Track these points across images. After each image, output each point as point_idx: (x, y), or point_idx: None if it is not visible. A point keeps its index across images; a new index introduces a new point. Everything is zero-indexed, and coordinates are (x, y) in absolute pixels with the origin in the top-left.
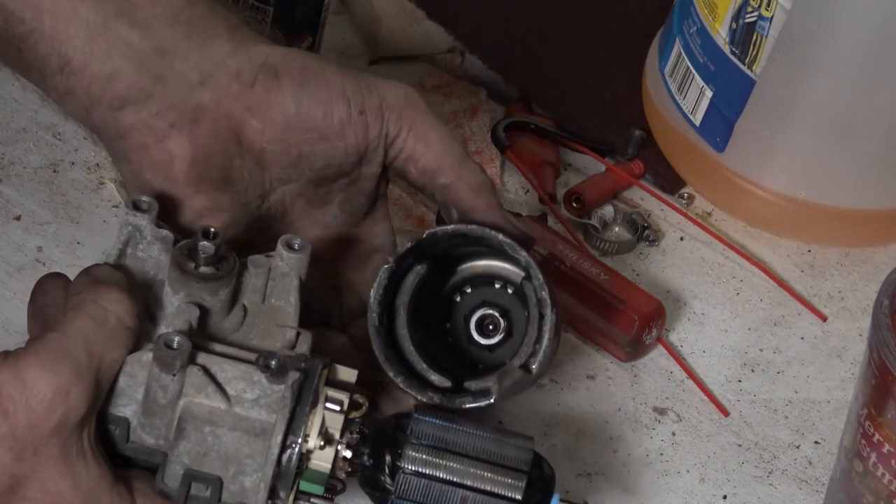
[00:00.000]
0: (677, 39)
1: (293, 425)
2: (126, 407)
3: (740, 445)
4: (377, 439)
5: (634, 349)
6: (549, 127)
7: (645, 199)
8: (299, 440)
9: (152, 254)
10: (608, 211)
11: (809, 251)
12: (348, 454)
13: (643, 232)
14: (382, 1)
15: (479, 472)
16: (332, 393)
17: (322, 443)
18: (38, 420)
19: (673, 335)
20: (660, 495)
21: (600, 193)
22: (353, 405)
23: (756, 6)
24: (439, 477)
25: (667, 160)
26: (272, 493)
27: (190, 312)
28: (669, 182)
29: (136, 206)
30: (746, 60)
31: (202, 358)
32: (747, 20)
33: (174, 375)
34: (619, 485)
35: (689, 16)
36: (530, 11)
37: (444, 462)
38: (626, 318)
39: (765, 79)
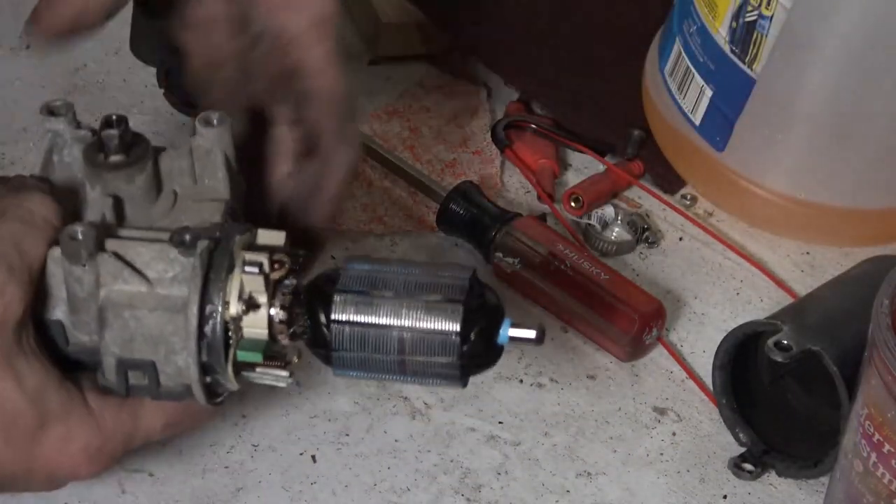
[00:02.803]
0: (677, 39)
1: (207, 293)
2: (56, 308)
3: None
4: (311, 297)
5: (634, 349)
6: (549, 127)
7: (645, 199)
8: (219, 307)
9: (76, 155)
10: (608, 211)
11: (809, 252)
12: (283, 316)
13: (643, 232)
14: (382, 1)
15: (411, 309)
16: (249, 256)
17: (245, 307)
18: None
19: (673, 335)
20: (660, 495)
21: (600, 193)
22: (276, 266)
23: (756, 5)
24: (372, 322)
25: (667, 160)
26: (208, 369)
27: (103, 203)
28: (669, 182)
29: (50, 112)
30: (746, 60)
31: (112, 244)
32: (747, 19)
33: (84, 265)
34: (619, 485)
35: (689, 15)
36: (530, 11)
37: (375, 306)
38: (626, 318)
39: (765, 78)
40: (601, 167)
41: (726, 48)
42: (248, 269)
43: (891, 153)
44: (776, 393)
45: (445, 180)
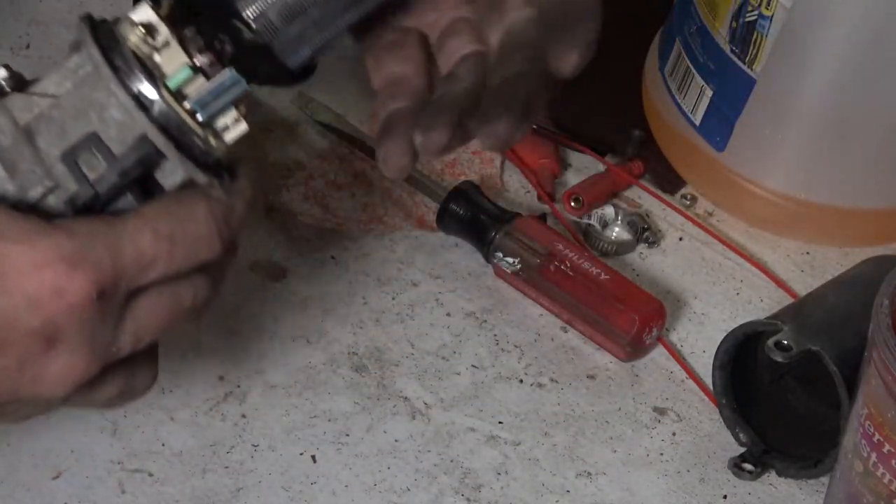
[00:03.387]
0: (677, 39)
1: (102, 39)
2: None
3: None
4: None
5: (634, 349)
6: (549, 127)
7: (645, 199)
8: (119, 42)
9: None
10: (608, 211)
11: (809, 252)
12: (191, 33)
13: (643, 232)
14: None
15: None
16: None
17: (144, 33)
18: None
19: (673, 335)
20: (660, 495)
21: (600, 193)
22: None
23: (756, 5)
24: None
25: (667, 160)
26: (146, 108)
27: None
28: (669, 182)
29: None
30: (747, 59)
31: (12, 96)
32: (747, 19)
33: None
34: (619, 485)
35: (689, 15)
36: None
37: None
38: (626, 318)
39: (765, 78)
40: (601, 167)
41: (726, 48)
42: (133, 15)
43: (891, 153)
44: (776, 393)
45: (445, 180)
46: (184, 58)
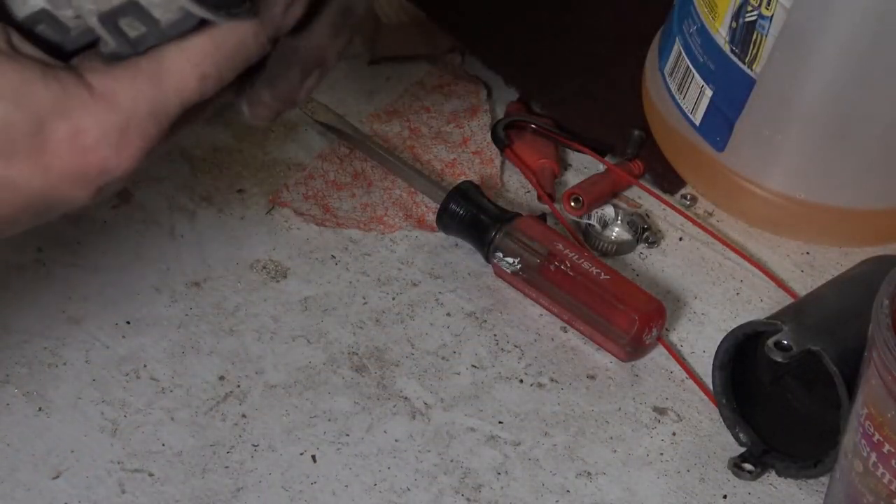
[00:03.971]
0: (677, 39)
1: None
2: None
3: None
4: None
5: (634, 349)
6: (549, 127)
7: (645, 199)
8: None
9: None
10: (608, 211)
11: (809, 252)
12: None
13: (643, 232)
14: (382, 1)
15: None
16: None
17: None
18: None
19: (673, 335)
20: (660, 495)
21: (600, 193)
22: None
23: (756, 5)
24: None
25: (666, 160)
26: None
27: None
28: (669, 182)
29: None
30: (746, 60)
31: None
32: (747, 19)
33: None
34: (619, 485)
35: (689, 15)
36: (530, 11)
37: None
38: (626, 318)
39: (765, 78)
40: (601, 167)
41: (726, 48)
42: None
43: (891, 153)
44: (776, 393)
45: (445, 180)
46: None
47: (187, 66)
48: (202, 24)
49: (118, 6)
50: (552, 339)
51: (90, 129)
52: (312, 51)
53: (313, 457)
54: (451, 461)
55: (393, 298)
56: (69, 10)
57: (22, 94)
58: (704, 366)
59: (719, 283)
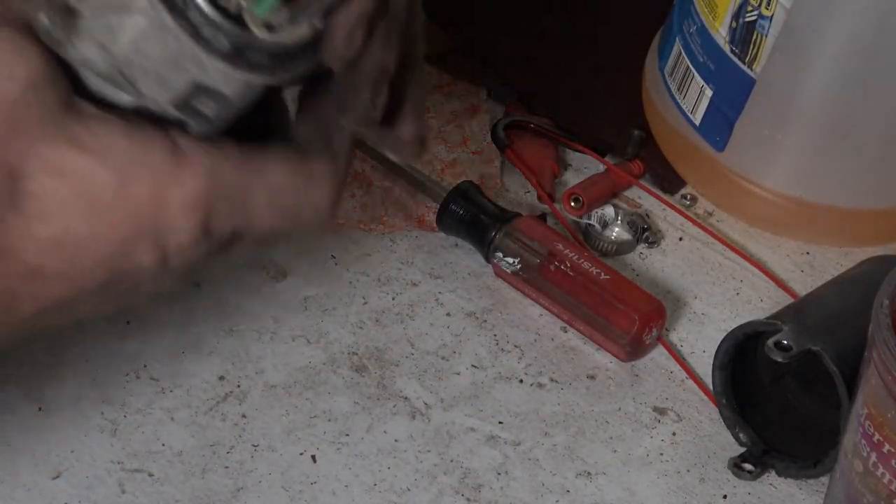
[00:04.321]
0: (677, 39)
1: None
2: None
3: None
4: None
5: (634, 349)
6: (549, 127)
7: (645, 199)
8: None
9: None
10: (608, 211)
11: (809, 252)
12: None
13: (643, 232)
14: None
15: None
16: None
17: None
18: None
19: (673, 335)
20: (660, 495)
21: (600, 193)
22: None
23: (756, 5)
24: None
25: (667, 160)
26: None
27: None
28: (669, 182)
29: None
30: (746, 59)
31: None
32: (747, 19)
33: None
34: (619, 485)
35: (689, 15)
36: (530, 12)
37: None
38: (626, 318)
39: (765, 78)
40: (601, 167)
41: (726, 48)
42: None
43: (891, 153)
44: (776, 393)
45: (445, 180)
46: None
47: (276, 162)
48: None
49: (187, 91)
50: (552, 339)
51: (171, 190)
52: (375, 68)
53: (313, 457)
54: (451, 461)
55: (393, 298)
56: (149, 101)
57: (107, 148)
58: (704, 366)
59: (719, 283)
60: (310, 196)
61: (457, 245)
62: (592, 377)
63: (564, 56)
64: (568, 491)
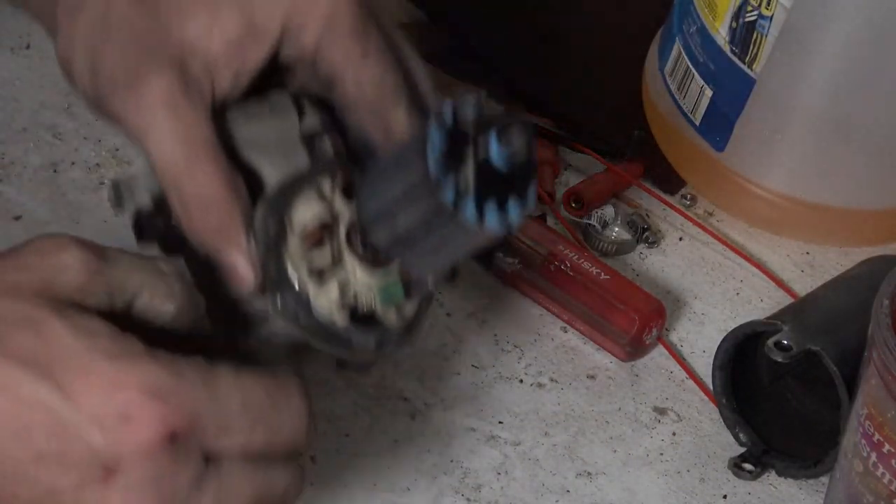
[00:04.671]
0: (677, 39)
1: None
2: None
3: None
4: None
5: (634, 349)
6: (549, 127)
7: (645, 199)
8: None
9: None
10: (608, 211)
11: (809, 252)
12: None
13: (643, 232)
14: (382, 1)
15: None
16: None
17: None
18: None
19: (673, 335)
20: (660, 495)
21: (600, 193)
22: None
23: (756, 5)
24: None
25: (667, 160)
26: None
27: None
28: (669, 182)
29: None
30: (746, 60)
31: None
32: (747, 19)
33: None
34: (619, 485)
35: (689, 15)
36: (530, 12)
37: None
38: (626, 318)
39: (765, 78)
40: (601, 167)
41: (726, 48)
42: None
43: (891, 153)
44: (776, 393)
45: None
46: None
47: (235, 399)
48: None
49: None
50: (552, 339)
51: (129, 376)
52: None
53: (312, 457)
54: (451, 461)
55: None
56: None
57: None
58: (704, 366)
59: (719, 283)
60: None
61: None
62: (592, 377)
63: (564, 56)
64: (568, 491)
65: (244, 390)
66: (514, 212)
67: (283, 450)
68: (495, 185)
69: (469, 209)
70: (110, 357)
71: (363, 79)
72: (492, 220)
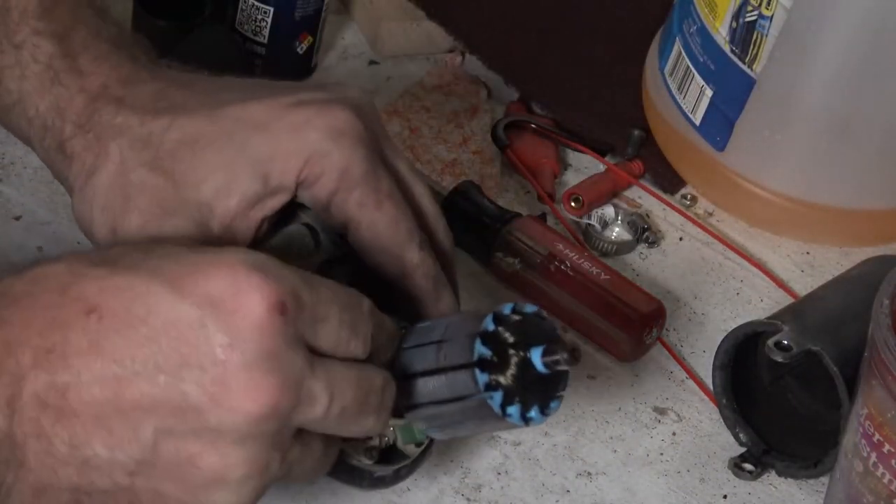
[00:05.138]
0: (677, 39)
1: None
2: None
3: None
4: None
5: (634, 349)
6: (549, 127)
7: (645, 199)
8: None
9: None
10: (608, 211)
11: (809, 252)
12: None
13: (643, 232)
14: (382, 1)
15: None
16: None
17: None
18: None
19: (673, 335)
20: (660, 495)
21: (600, 193)
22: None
23: (756, 5)
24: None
25: (667, 160)
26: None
27: None
28: (669, 182)
29: None
30: (746, 59)
31: None
32: (747, 19)
33: None
34: (619, 485)
35: (689, 15)
36: (530, 11)
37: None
38: (626, 318)
39: (765, 78)
40: (601, 167)
41: (726, 48)
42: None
43: (891, 153)
44: (776, 393)
45: (445, 180)
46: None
47: (334, 309)
48: None
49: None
50: None
51: (238, 262)
52: None
53: None
54: (451, 461)
55: None
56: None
57: None
58: (704, 366)
59: (719, 283)
60: None
61: (457, 245)
62: (592, 377)
63: (564, 56)
64: (568, 491)
65: (328, 284)
66: (553, 407)
67: (364, 350)
68: (533, 384)
69: (514, 413)
70: (217, 252)
71: (378, 224)
72: (536, 419)
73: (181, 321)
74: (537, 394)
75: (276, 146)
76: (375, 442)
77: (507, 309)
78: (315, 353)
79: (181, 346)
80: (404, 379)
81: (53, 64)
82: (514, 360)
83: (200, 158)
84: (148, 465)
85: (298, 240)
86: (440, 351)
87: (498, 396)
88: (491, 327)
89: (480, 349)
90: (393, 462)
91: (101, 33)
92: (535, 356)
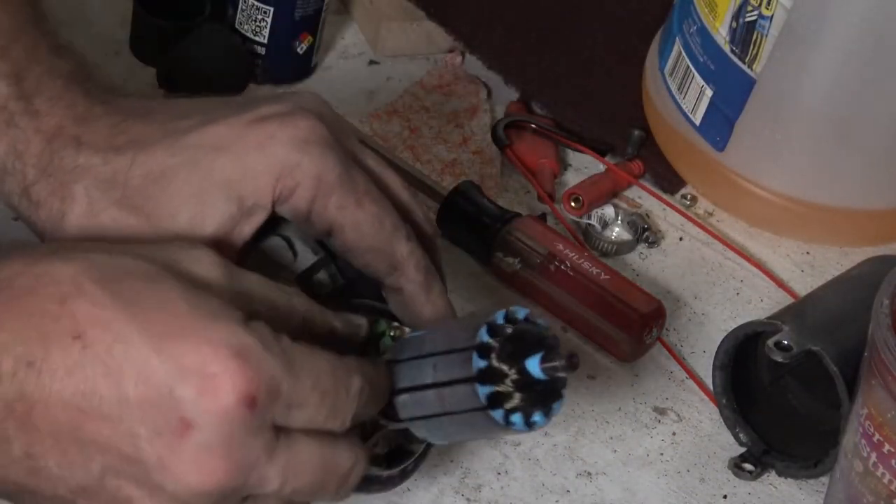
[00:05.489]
0: (677, 39)
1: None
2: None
3: None
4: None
5: (634, 349)
6: (549, 127)
7: (645, 199)
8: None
9: None
10: (608, 211)
11: (809, 252)
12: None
13: (643, 232)
14: (382, 1)
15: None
16: None
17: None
18: None
19: (673, 335)
20: (660, 495)
21: (600, 193)
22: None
23: (756, 5)
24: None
25: (667, 160)
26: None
27: None
28: (669, 182)
29: None
30: (747, 59)
31: None
32: (747, 19)
33: None
34: (619, 485)
35: (689, 15)
36: (530, 11)
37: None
38: (626, 318)
39: (765, 78)
40: (601, 167)
41: (726, 48)
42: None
43: (891, 153)
44: (776, 393)
45: (445, 180)
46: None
47: (309, 379)
48: None
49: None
50: None
51: (222, 337)
52: None
53: None
54: (451, 461)
55: None
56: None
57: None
58: (704, 366)
59: (719, 283)
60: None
61: (457, 245)
62: (592, 377)
63: (564, 56)
64: (568, 491)
65: (316, 367)
66: (556, 410)
67: (341, 428)
68: (534, 390)
69: (518, 420)
70: (210, 317)
71: (362, 224)
72: (539, 422)
73: (153, 380)
74: (538, 398)
75: (243, 166)
76: (380, 450)
77: (499, 318)
78: (284, 429)
79: (147, 402)
80: (401, 392)
81: (9, 106)
82: (512, 369)
83: (169, 192)
84: (91, 492)
85: (276, 253)
86: (436, 365)
87: (500, 409)
88: (486, 339)
89: (478, 362)
90: (398, 461)
91: (56, 71)
92: (533, 364)
